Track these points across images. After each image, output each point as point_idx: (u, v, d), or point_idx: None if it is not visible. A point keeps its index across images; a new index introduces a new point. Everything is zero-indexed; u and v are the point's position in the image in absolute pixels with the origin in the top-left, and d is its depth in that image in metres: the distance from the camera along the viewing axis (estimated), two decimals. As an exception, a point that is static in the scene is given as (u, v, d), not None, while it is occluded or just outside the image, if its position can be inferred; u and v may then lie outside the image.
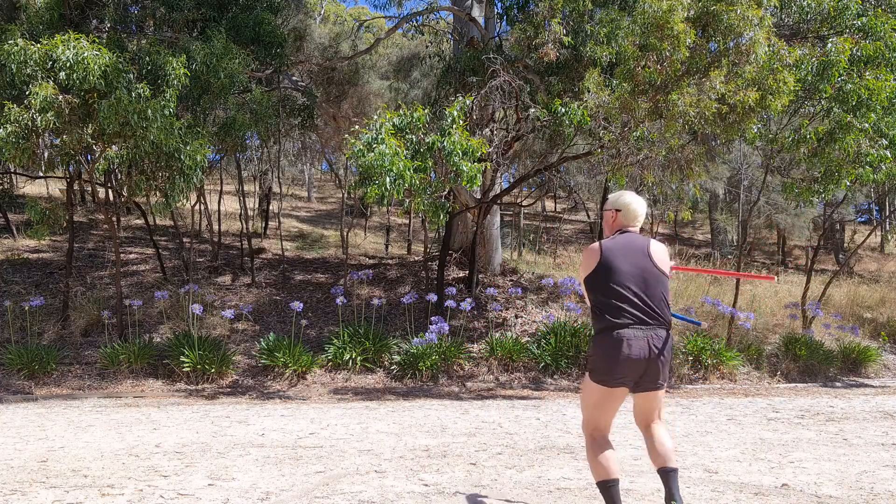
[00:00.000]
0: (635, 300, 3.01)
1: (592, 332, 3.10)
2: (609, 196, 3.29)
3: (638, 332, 2.97)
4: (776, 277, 3.40)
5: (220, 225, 13.17)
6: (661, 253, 3.15)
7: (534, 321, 10.59)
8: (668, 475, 3.05)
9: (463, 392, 8.39)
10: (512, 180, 15.80)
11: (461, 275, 12.15)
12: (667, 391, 8.67)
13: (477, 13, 11.93)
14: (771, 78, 7.45)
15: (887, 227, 23.80)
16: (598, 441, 3.08)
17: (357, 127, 7.59)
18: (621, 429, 6.01)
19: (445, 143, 7.23)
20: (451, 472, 4.43)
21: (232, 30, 9.59)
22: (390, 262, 13.92)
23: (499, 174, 11.58)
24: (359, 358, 8.85)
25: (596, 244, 3.17)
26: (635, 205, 3.22)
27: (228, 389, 8.22)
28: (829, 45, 8.09)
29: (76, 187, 14.31)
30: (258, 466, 4.54)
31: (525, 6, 10.08)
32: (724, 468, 4.55)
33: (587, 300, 3.20)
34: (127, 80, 7.61)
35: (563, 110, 8.12)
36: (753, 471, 4.52)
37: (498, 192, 11.68)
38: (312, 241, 16.72)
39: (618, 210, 3.22)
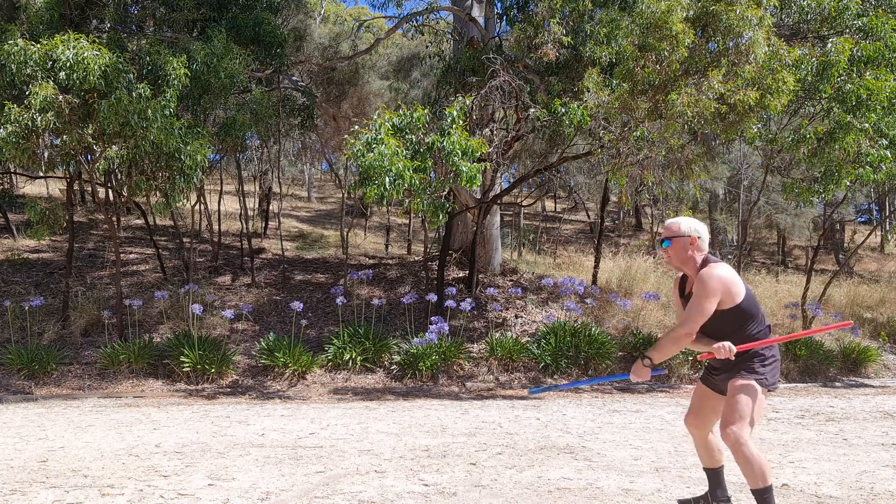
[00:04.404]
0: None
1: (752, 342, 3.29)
2: (679, 220, 3.39)
3: None
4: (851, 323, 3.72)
5: (220, 225, 13.17)
6: None
7: (534, 321, 10.59)
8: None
9: (463, 392, 8.39)
10: (512, 180, 15.80)
11: (461, 275, 12.15)
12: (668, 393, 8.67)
13: (477, 13, 11.94)
14: (770, 78, 7.45)
15: (887, 227, 23.81)
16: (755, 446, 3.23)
17: (357, 127, 7.58)
18: (621, 429, 6.02)
19: (445, 143, 7.23)
20: (451, 472, 4.43)
21: (232, 30, 9.59)
22: (390, 262, 13.92)
23: (499, 174, 11.58)
24: (359, 358, 8.85)
25: (730, 271, 3.27)
26: (704, 231, 3.41)
27: (228, 389, 8.22)
28: (829, 45, 8.09)
29: (76, 187, 14.31)
30: (258, 466, 4.54)
31: (525, 6, 10.07)
32: (723, 468, 4.55)
33: (732, 325, 3.28)
34: (127, 80, 7.61)
35: (563, 110, 8.12)
36: (753, 471, 4.52)
37: (498, 192, 11.67)
38: (312, 241, 16.72)
39: (698, 237, 3.35)
